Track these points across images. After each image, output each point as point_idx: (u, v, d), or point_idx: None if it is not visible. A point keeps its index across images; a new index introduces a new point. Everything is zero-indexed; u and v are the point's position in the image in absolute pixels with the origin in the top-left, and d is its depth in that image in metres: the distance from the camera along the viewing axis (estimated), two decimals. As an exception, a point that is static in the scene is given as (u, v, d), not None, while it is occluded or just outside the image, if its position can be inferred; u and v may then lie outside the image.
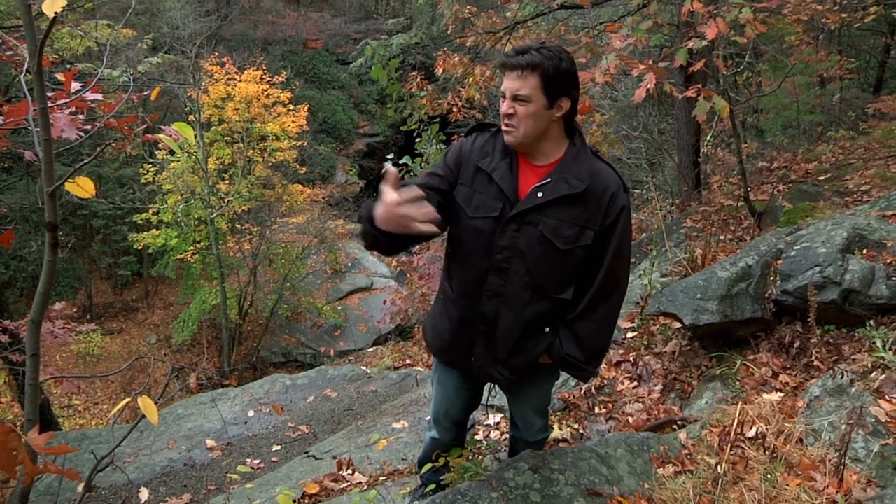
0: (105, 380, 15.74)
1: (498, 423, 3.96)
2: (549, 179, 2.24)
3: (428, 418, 2.96)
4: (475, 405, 2.85)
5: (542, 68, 2.13)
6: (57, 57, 12.11)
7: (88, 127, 2.50)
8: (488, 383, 2.75)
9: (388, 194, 1.93)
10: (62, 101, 2.44)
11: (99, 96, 2.56)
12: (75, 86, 2.51)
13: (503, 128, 2.24)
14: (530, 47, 2.17)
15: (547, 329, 2.39)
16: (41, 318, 2.10)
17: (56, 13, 1.81)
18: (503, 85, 2.21)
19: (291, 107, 18.85)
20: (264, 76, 18.26)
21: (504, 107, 2.20)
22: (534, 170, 2.29)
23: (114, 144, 2.92)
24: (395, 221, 1.93)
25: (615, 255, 2.28)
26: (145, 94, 3.09)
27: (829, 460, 2.61)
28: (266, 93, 18.09)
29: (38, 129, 2.00)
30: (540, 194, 2.23)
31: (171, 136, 2.38)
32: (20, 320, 6.24)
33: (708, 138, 8.80)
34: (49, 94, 2.37)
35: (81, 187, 2.13)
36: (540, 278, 2.29)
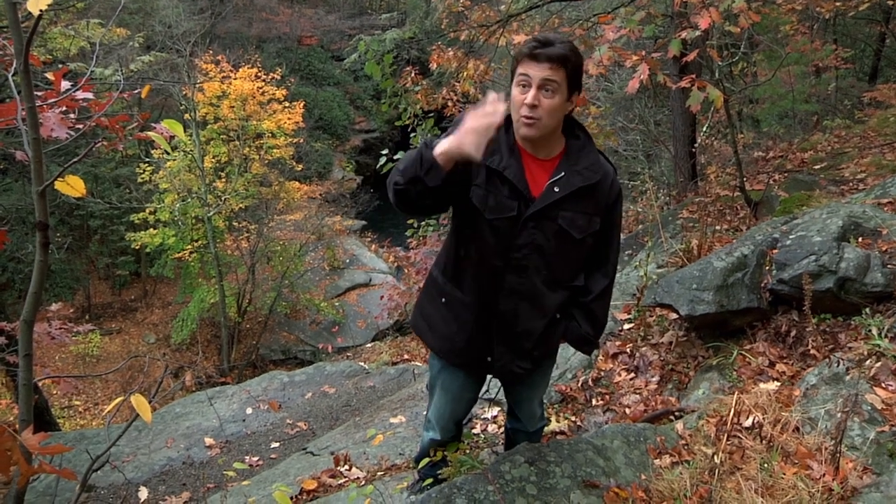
0: (105, 380, 15.72)
1: (495, 417, 3.97)
2: (563, 173, 2.25)
3: (426, 414, 2.94)
4: (475, 401, 2.85)
5: (570, 62, 2.12)
6: (49, 57, 12.06)
7: (80, 126, 2.49)
8: (488, 377, 2.75)
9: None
10: (52, 100, 2.43)
11: (90, 95, 2.54)
12: (65, 85, 2.50)
13: (524, 120, 2.15)
14: (555, 39, 2.13)
15: (558, 315, 2.45)
16: (33, 317, 2.09)
17: (41, 11, 1.80)
18: (524, 73, 2.13)
19: (287, 104, 18.80)
20: (259, 74, 18.21)
21: (529, 97, 2.12)
22: (540, 164, 2.28)
23: (105, 143, 2.91)
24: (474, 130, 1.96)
25: (617, 234, 2.45)
26: (136, 92, 3.08)
27: (826, 448, 2.61)
28: (261, 90, 18.04)
29: (27, 128, 1.99)
30: (556, 189, 2.24)
31: (161, 133, 2.37)
32: (16, 321, 6.23)
33: (704, 129, 8.79)
34: (39, 94, 2.36)
35: (72, 186, 2.12)
36: (557, 271, 2.35)
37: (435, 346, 2.59)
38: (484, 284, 2.36)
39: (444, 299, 2.49)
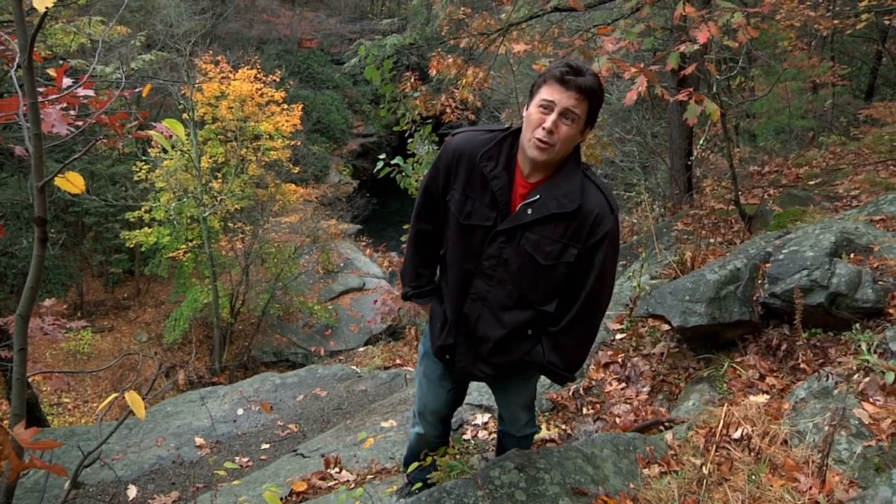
0: (95, 378, 15.66)
1: (486, 423, 3.98)
2: (539, 196, 2.22)
3: (412, 412, 2.97)
4: (460, 401, 2.87)
5: (595, 96, 2.13)
6: (50, 53, 12.05)
7: (80, 123, 2.49)
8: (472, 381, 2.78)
9: None
10: (53, 96, 2.44)
11: (91, 92, 2.55)
12: (67, 81, 2.51)
13: (538, 143, 2.13)
14: (585, 68, 2.12)
15: (530, 332, 2.41)
16: (29, 312, 2.10)
17: (47, 8, 1.82)
18: (548, 95, 2.11)
19: (285, 106, 18.81)
20: (258, 75, 18.22)
21: (549, 122, 2.10)
22: (524, 184, 2.28)
23: (105, 141, 2.92)
24: None
25: (598, 276, 2.27)
26: (137, 90, 3.09)
27: (813, 461, 2.63)
28: (260, 92, 18.05)
29: (28, 124, 2.00)
30: (529, 211, 2.22)
31: (162, 132, 2.38)
32: (9, 316, 6.20)
33: (701, 142, 8.82)
34: (40, 90, 2.37)
35: (71, 183, 2.13)
36: (523, 289, 2.31)
37: (431, 332, 2.64)
38: (457, 283, 2.40)
39: (439, 288, 2.57)
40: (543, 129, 2.10)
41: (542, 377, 2.81)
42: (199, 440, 5.11)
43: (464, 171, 2.31)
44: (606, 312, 2.51)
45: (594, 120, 2.21)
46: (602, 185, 2.29)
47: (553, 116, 2.10)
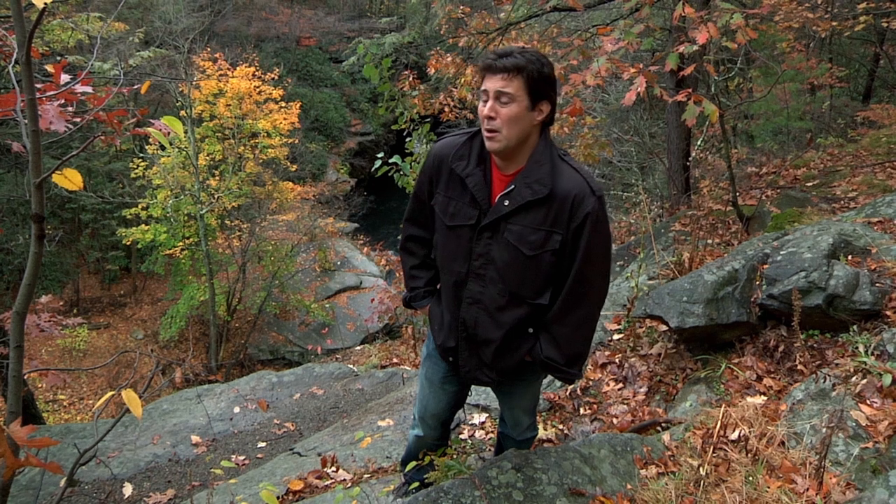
0: (91, 375, 15.63)
1: (483, 423, 3.97)
2: (514, 186, 2.22)
3: (412, 415, 2.97)
4: (461, 404, 2.86)
5: (526, 71, 2.10)
6: (47, 49, 12.01)
7: (78, 119, 2.48)
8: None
9: None
10: (51, 92, 2.43)
11: (89, 89, 2.54)
12: (65, 78, 2.50)
13: (485, 134, 2.16)
14: (512, 51, 2.13)
15: (531, 330, 2.40)
16: (26, 309, 2.09)
17: (46, 4, 1.81)
18: (484, 86, 2.15)
19: (283, 104, 18.80)
20: (257, 73, 18.20)
21: (486, 109, 2.13)
22: (502, 178, 2.28)
23: (102, 138, 2.91)
24: None
25: (584, 260, 2.23)
26: (135, 87, 3.09)
27: (810, 463, 2.64)
28: (258, 89, 18.03)
29: (26, 120, 1.99)
30: (506, 203, 2.22)
31: (160, 129, 2.37)
32: (6, 313, 6.19)
33: (699, 143, 8.83)
34: (38, 86, 2.36)
35: (69, 179, 2.12)
36: (513, 285, 2.30)
37: (432, 332, 2.64)
38: (451, 288, 2.41)
39: (439, 293, 2.57)
40: (484, 117, 2.13)
41: (545, 379, 2.80)
42: (195, 438, 5.09)
43: (444, 175, 2.35)
44: (604, 312, 2.51)
45: (543, 95, 2.16)
46: (579, 167, 2.26)
47: (489, 102, 2.13)
